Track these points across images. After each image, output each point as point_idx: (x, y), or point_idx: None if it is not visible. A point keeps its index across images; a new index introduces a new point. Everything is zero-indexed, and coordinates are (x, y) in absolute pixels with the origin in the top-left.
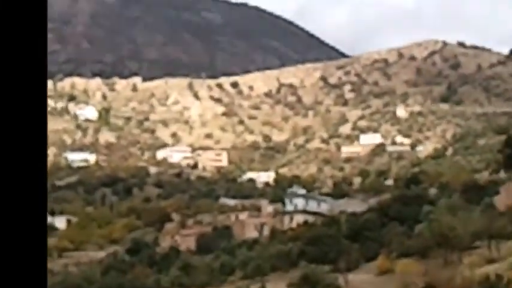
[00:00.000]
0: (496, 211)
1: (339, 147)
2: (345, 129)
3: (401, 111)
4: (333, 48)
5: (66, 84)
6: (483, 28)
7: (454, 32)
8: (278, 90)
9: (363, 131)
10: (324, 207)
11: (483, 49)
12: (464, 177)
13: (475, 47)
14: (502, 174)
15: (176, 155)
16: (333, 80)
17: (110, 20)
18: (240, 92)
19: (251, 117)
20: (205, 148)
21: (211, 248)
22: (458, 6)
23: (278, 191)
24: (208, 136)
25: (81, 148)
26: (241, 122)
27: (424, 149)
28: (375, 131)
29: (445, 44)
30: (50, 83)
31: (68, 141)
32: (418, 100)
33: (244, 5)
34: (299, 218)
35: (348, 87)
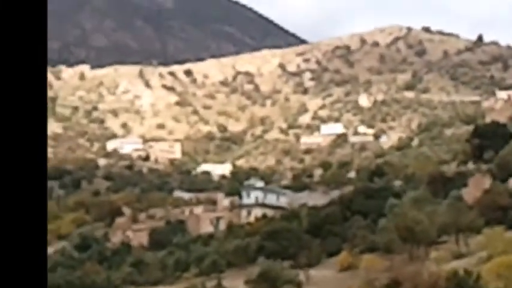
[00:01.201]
0: (464, 204)
1: (298, 138)
2: (305, 119)
3: (364, 100)
4: (292, 34)
5: None
6: (452, 13)
7: (422, 18)
8: (234, 79)
9: (324, 120)
10: (283, 201)
11: (450, 35)
12: (431, 168)
13: (442, 33)
14: (471, 166)
15: (127, 147)
16: (291, 68)
17: (54, 4)
18: (194, 81)
19: (206, 107)
20: (157, 139)
21: (164, 244)
22: None
23: (235, 183)
24: (161, 126)
25: None
26: (195, 111)
27: (388, 140)
28: (337, 120)
29: (409, 29)
30: None
31: None
32: (382, 88)
33: None
34: (257, 212)
35: (307, 75)
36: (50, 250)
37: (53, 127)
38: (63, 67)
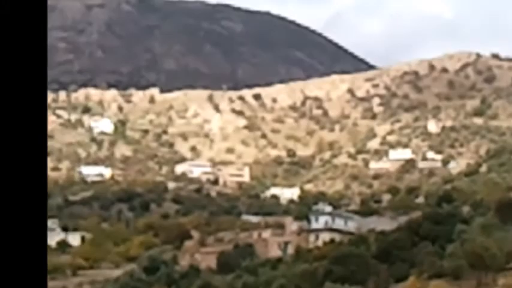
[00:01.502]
0: None
1: (367, 163)
2: (373, 144)
3: (432, 126)
4: (361, 59)
5: (80, 95)
6: None
7: (491, 44)
8: (303, 103)
9: (392, 146)
10: (351, 225)
11: None
12: (499, 195)
13: (511, 59)
14: None
15: (196, 170)
16: (360, 93)
17: (126, 28)
18: (263, 105)
19: (274, 131)
20: (226, 163)
21: (232, 267)
22: (499, 17)
23: (303, 208)
24: (230, 150)
25: (96, 162)
26: (264, 135)
27: (457, 166)
28: (405, 146)
29: (478, 56)
30: (63, 94)
31: (83, 154)
32: (451, 114)
33: (267, 13)
34: (325, 236)
35: (376, 100)
36: (119, 272)
37: (123, 150)
38: (133, 90)
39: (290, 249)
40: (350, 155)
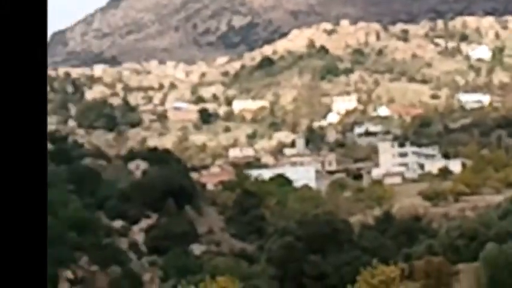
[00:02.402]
0: None
1: None
2: None
3: None
4: None
5: (457, 23)
6: None
7: None
8: None
9: None
10: None
11: None
12: None
13: None
14: None
15: None
16: None
17: None
18: None
19: None
20: None
21: None
22: None
23: None
24: None
25: (475, 89)
26: None
27: None
28: None
29: None
30: (440, 23)
31: (461, 82)
32: None
33: None
34: None
35: None
36: (500, 198)
37: (501, 77)
38: (509, 17)
39: None
40: None
